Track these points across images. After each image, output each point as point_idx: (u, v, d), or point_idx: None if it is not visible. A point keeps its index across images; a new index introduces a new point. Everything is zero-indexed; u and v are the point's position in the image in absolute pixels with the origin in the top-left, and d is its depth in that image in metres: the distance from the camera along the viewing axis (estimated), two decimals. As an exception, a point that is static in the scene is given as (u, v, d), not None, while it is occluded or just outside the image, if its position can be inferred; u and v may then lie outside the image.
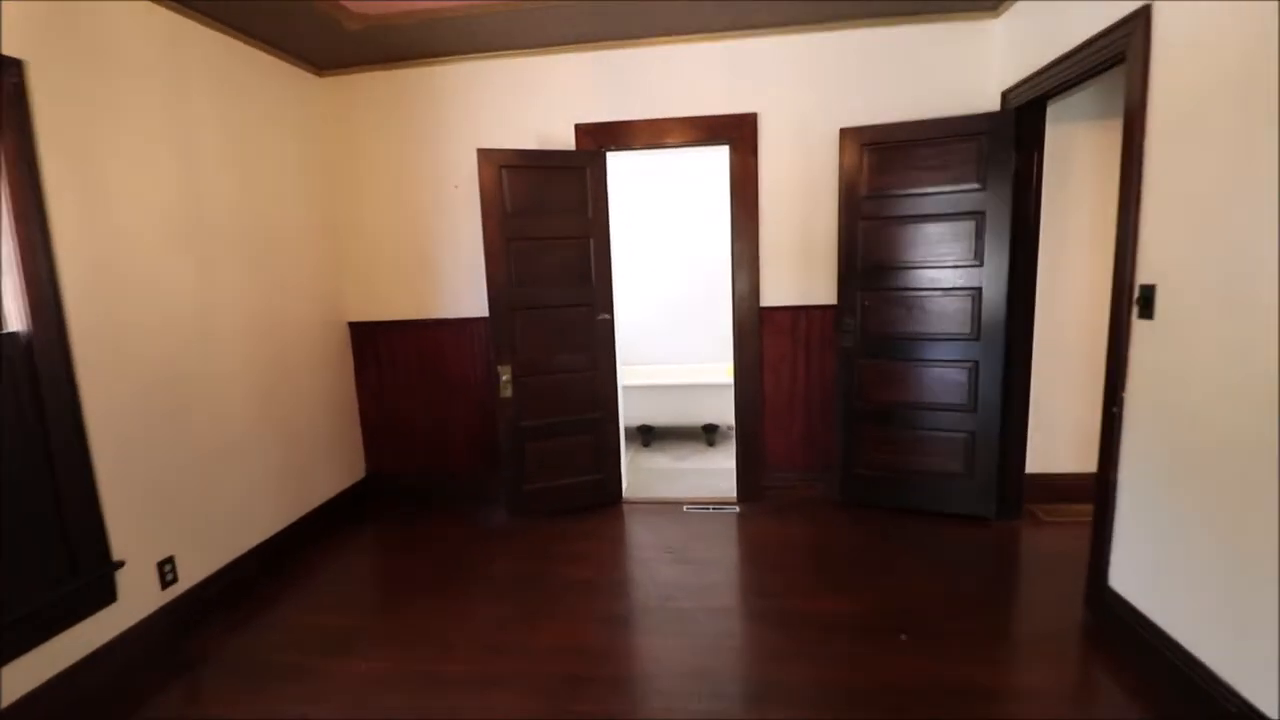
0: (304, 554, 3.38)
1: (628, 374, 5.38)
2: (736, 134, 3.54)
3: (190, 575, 2.81)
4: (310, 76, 3.66)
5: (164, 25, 2.69)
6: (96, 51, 2.40)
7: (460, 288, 3.88)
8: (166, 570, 2.68)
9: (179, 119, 2.77)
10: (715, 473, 4.41)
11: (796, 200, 3.57)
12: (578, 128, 3.64)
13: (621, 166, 5.12)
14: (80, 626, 2.31)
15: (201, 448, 2.87)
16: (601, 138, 3.63)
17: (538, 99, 3.66)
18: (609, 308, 3.71)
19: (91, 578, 2.35)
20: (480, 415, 3.99)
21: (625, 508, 3.86)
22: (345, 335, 4.02)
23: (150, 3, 2.61)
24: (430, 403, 4.05)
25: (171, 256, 2.73)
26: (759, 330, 3.69)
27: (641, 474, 4.45)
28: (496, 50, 3.57)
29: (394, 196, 3.85)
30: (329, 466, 3.82)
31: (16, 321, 2.16)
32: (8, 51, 2.08)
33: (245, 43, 3.14)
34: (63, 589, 2.25)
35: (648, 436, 5.15)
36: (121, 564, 2.46)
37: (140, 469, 2.56)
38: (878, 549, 3.19)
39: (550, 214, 3.52)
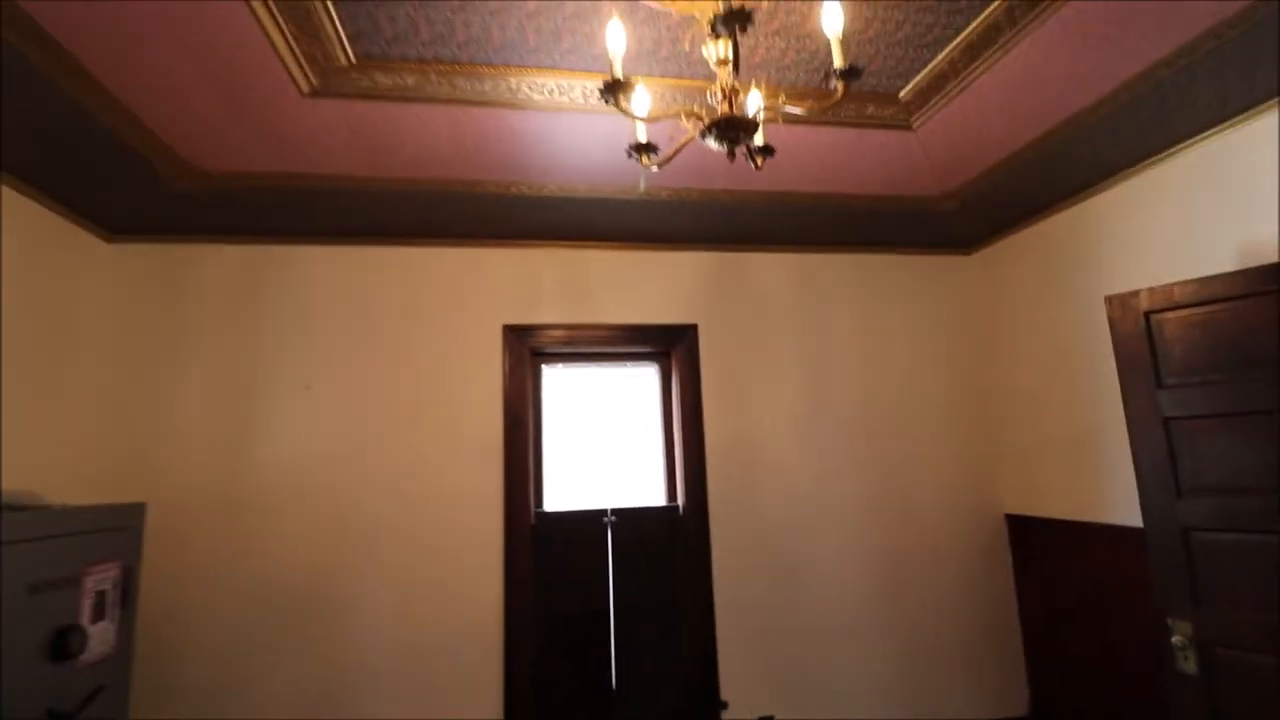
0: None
1: None
2: None
3: (788, 741, 3.03)
4: (954, 258, 3.65)
5: (794, 267, 3.44)
6: (743, 304, 3.34)
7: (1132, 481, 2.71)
8: (766, 727, 3.02)
9: (811, 335, 3.40)
10: None
11: None
12: (1322, 216, 2.07)
13: None
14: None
15: (808, 621, 3.14)
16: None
17: (1241, 185, 2.34)
18: None
19: (701, 713, 2.96)
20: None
21: None
22: (1000, 531, 3.45)
23: (782, 253, 3.42)
24: (1102, 639, 2.87)
25: (793, 440, 3.28)
26: None
27: None
28: (1156, 152, 2.57)
29: (1047, 361, 3.19)
30: (969, 686, 3.26)
31: (678, 496, 3.16)
32: (687, 321, 3.25)
33: (876, 252, 3.54)
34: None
35: None
36: (725, 705, 2.98)
37: (749, 626, 3.08)
38: None
39: (1258, 371, 2.08)
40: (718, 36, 1.16)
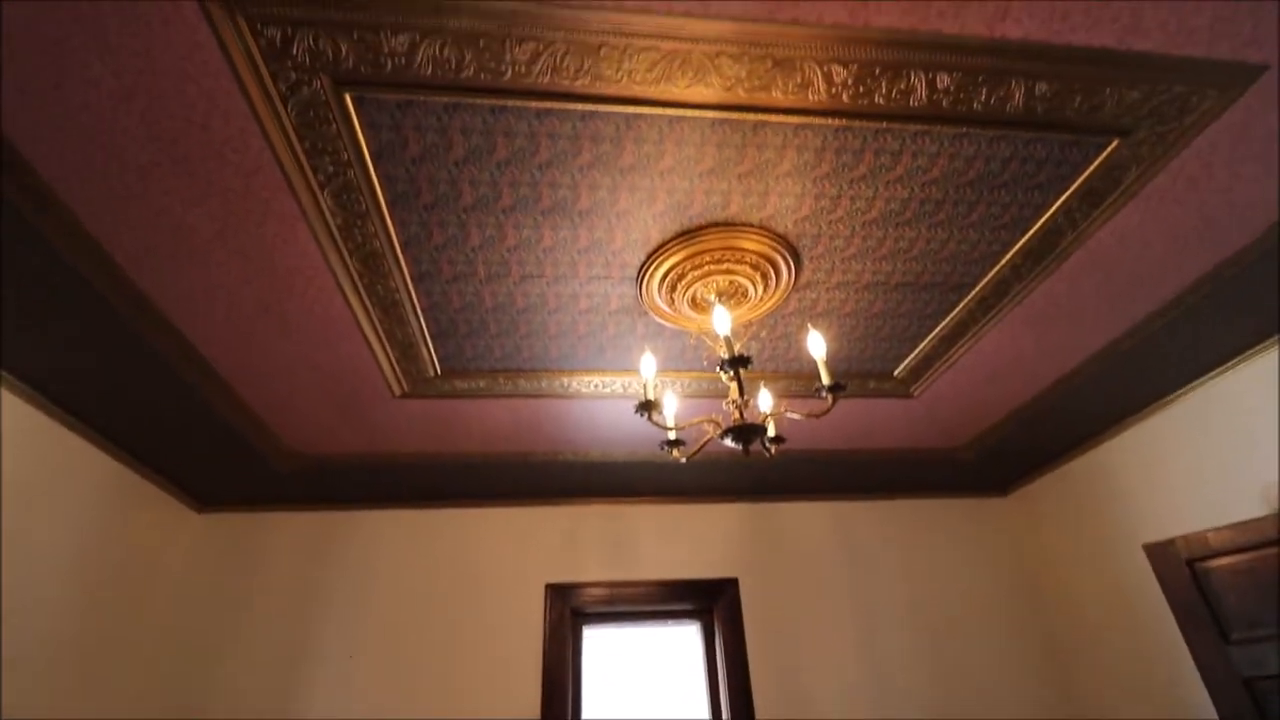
0: None
1: None
2: None
3: None
4: (990, 500, 3.70)
5: (831, 515, 3.53)
6: (783, 555, 3.38)
7: (1251, 761, 2.39)
8: None
9: (856, 587, 3.35)
10: None
11: None
12: (1324, 465, 2.17)
13: None
14: None
15: None
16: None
17: (1246, 427, 2.47)
18: None
19: None
20: None
21: None
22: (1115, 822, 2.94)
23: (817, 502, 3.55)
24: None
25: (851, 707, 3.02)
26: None
27: None
28: (1153, 401, 2.77)
29: (1106, 608, 3.02)
30: None
31: (732, 782, 2.86)
32: (727, 574, 3.28)
33: (910, 498, 3.63)
34: None
35: None
36: None
37: None
38: None
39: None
40: (725, 372, 1.50)
